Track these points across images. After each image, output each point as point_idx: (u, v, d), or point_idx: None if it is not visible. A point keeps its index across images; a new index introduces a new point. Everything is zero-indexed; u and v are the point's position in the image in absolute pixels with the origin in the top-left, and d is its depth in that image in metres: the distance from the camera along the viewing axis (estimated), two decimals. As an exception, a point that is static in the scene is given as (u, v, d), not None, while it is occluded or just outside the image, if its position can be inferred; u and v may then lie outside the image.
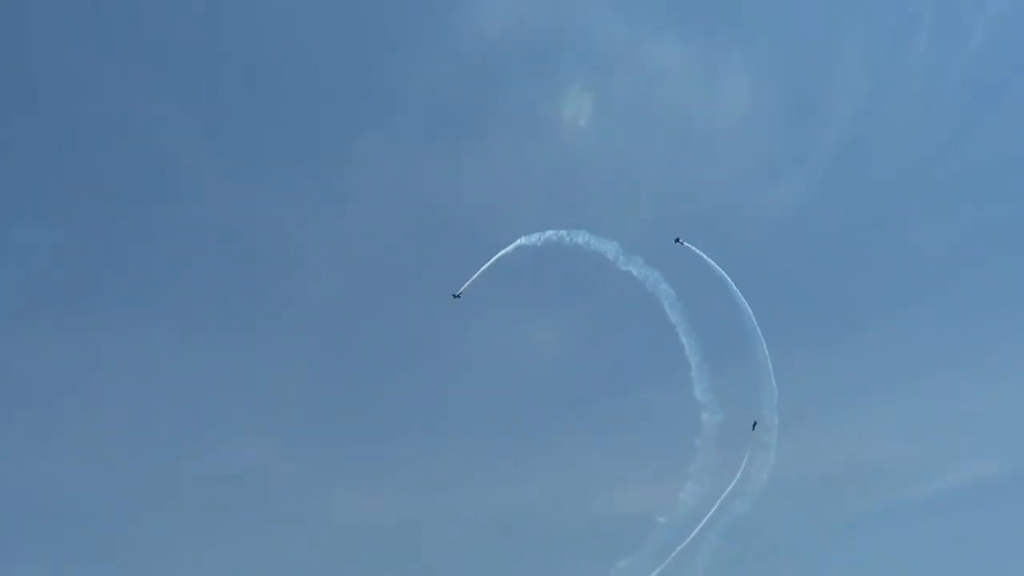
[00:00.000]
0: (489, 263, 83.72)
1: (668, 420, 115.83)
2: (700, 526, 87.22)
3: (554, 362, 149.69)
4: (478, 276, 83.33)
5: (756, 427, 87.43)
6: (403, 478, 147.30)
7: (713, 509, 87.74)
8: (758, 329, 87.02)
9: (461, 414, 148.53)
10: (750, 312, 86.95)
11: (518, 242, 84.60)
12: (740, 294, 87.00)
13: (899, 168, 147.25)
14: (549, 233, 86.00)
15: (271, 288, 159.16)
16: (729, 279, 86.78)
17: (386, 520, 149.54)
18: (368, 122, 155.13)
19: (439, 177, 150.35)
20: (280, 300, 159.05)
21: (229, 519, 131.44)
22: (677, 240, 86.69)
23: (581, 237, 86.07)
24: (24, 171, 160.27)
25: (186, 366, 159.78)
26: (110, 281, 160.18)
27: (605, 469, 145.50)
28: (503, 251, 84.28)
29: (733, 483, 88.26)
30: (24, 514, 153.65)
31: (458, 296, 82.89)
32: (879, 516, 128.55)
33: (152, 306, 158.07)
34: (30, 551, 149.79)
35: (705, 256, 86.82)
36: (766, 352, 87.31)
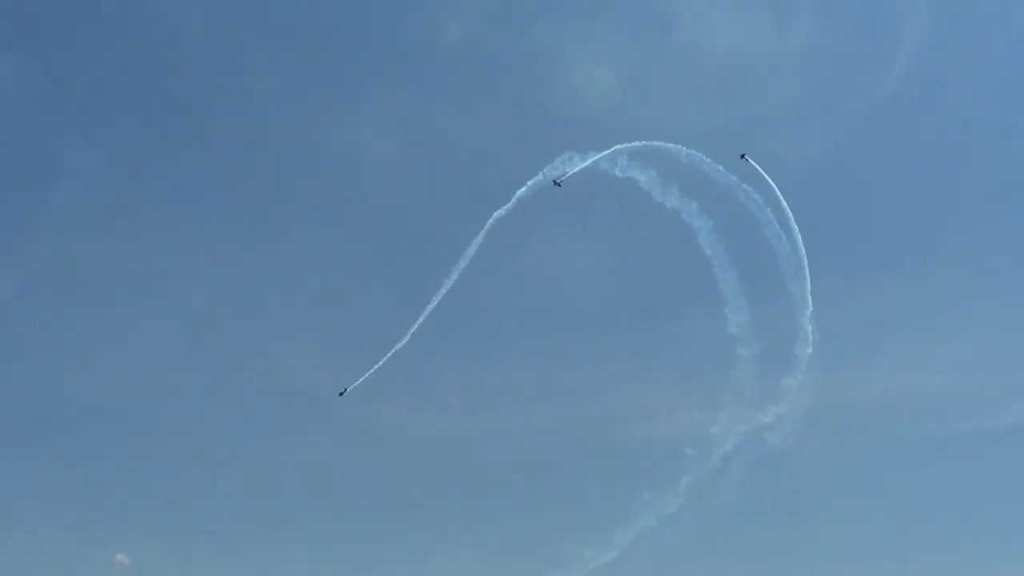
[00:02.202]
0: (585, 164, 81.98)
1: (706, 349, 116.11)
2: (729, 458, 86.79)
3: (603, 284, 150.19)
4: (577, 172, 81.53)
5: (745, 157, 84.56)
6: (452, 394, 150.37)
7: (743, 441, 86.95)
8: (805, 258, 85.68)
9: (510, 332, 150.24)
10: (799, 239, 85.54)
11: (615, 147, 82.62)
12: (792, 219, 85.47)
13: (962, 100, 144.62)
14: (641, 144, 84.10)
15: (332, 198, 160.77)
16: (784, 203, 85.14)
17: (434, 434, 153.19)
18: (445, 15, 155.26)
19: (507, 82, 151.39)
20: (339, 212, 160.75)
21: (284, 428, 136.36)
22: (743, 156, 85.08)
23: (659, 151, 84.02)
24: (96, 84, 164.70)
25: (244, 276, 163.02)
26: (171, 193, 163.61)
27: (641, 395, 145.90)
28: (601, 154, 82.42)
29: (767, 415, 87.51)
30: (87, 418, 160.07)
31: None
32: (921, 450, 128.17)
33: (212, 216, 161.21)
34: (93, 452, 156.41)
35: (766, 175, 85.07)
36: (809, 282, 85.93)
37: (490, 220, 77.29)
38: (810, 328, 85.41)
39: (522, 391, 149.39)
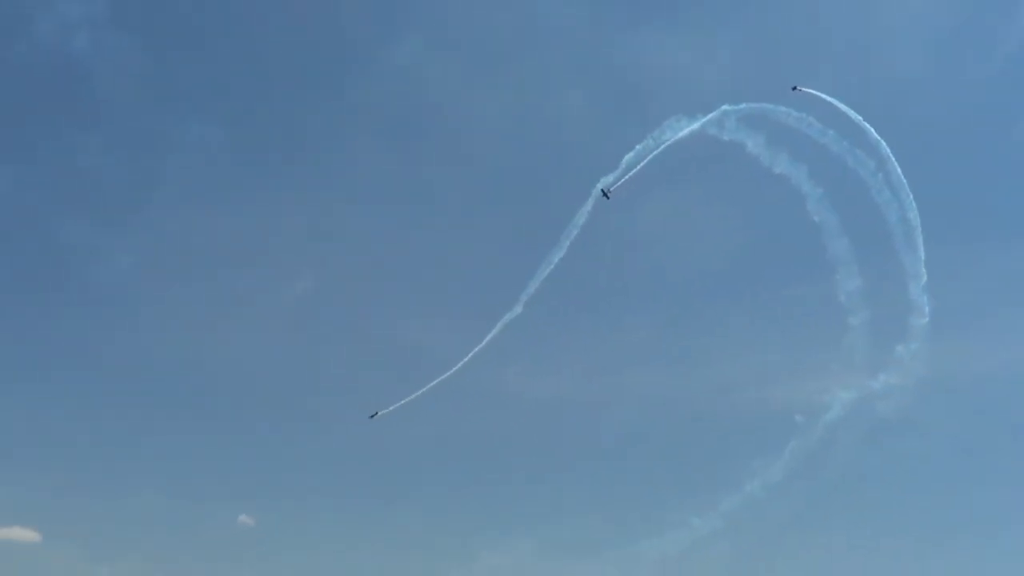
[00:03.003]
0: (693, 127, 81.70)
1: (817, 316, 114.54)
2: (839, 426, 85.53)
3: (712, 251, 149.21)
4: (685, 135, 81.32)
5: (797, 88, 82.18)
6: (569, 360, 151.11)
7: (854, 409, 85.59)
8: (919, 226, 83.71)
9: (624, 299, 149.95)
10: (914, 206, 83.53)
11: (723, 108, 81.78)
12: (906, 185, 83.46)
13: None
14: (748, 106, 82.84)
15: (446, 170, 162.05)
16: (898, 169, 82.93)
17: (552, 399, 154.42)
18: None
19: (612, 49, 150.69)
20: (453, 182, 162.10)
21: (403, 393, 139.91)
22: (794, 88, 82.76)
23: (779, 111, 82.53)
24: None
25: (361, 246, 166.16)
26: (287, 167, 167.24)
27: (752, 362, 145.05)
28: (707, 116, 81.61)
29: (878, 384, 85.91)
30: (210, 385, 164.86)
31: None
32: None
33: (327, 189, 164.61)
34: (215, 417, 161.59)
35: (836, 101, 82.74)
36: (922, 251, 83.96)
37: (598, 186, 77.17)
38: (924, 298, 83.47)
39: (636, 357, 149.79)
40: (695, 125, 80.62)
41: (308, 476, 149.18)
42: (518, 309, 79.20)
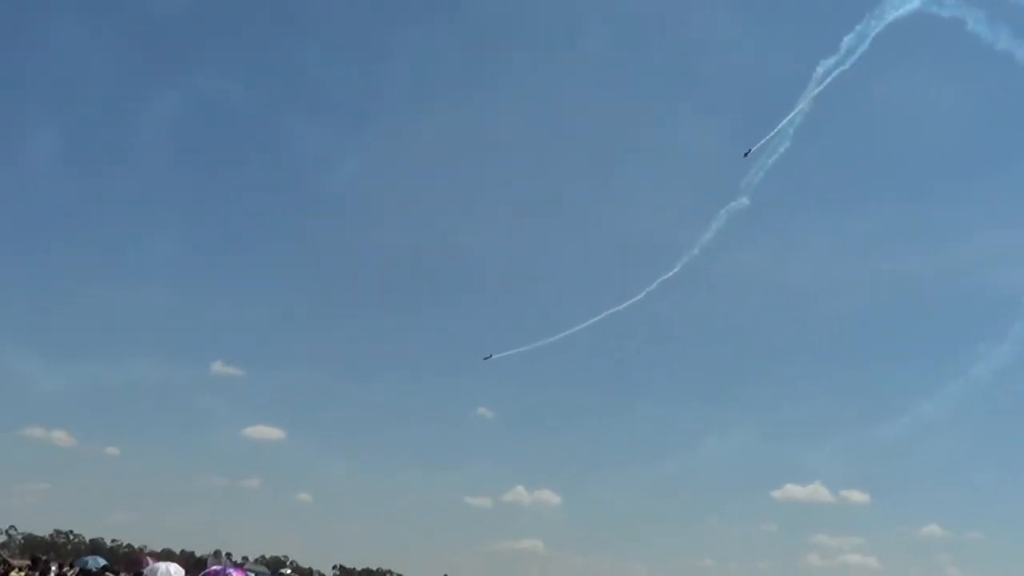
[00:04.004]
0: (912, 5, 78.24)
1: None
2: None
3: (944, 130, 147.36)
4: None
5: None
6: (809, 242, 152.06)
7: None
8: None
9: (862, 181, 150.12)
10: None
11: None
12: None
13: None
14: None
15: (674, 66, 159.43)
16: None
17: (784, 283, 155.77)
18: None
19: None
20: (683, 78, 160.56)
21: (637, 283, 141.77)
22: None
23: None
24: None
25: (585, 140, 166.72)
26: (507, 74, 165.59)
27: (988, 245, 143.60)
28: None
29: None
30: (444, 277, 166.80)
31: None
32: None
33: (538, 94, 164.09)
34: (446, 308, 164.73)
35: None
36: None
37: (818, 70, 75.04)
38: None
39: (867, 241, 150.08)
40: (915, 3, 77.61)
41: (549, 369, 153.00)
42: (744, 200, 78.22)
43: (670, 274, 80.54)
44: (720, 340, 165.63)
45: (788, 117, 70.36)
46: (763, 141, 68.89)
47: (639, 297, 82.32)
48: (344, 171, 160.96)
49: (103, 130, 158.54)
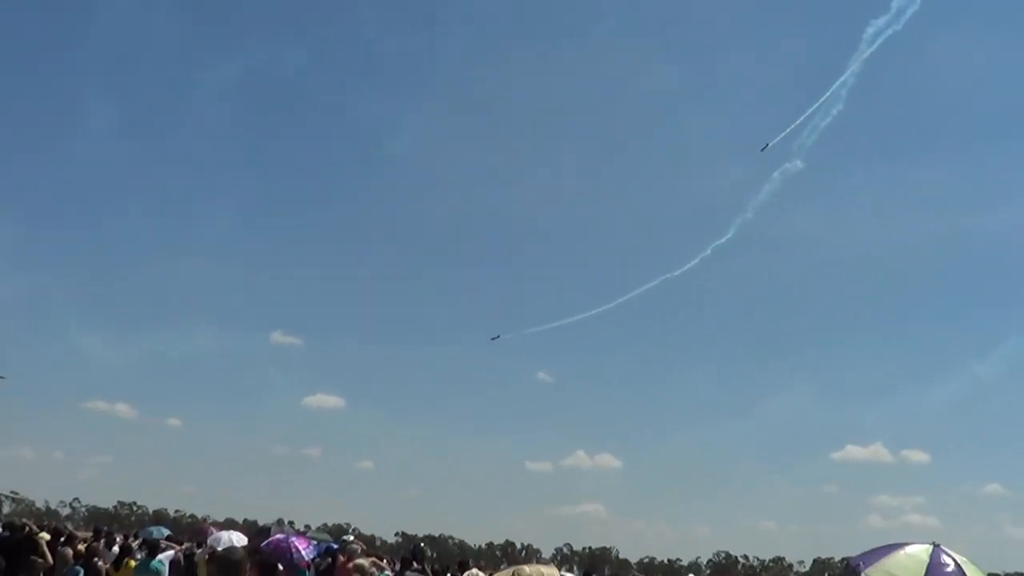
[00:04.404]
0: None
1: None
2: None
3: (1010, 88, 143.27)
4: None
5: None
6: (862, 204, 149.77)
7: None
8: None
9: (919, 139, 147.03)
10: None
11: None
12: None
13: None
14: None
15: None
16: None
17: (847, 243, 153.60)
18: None
19: None
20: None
21: (699, 244, 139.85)
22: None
23: None
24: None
25: (642, 99, 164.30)
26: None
27: None
28: None
29: None
30: (508, 237, 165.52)
31: None
32: None
33: (606, 51, 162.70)
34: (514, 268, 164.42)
35: None
36: None
37: (868, 31, 72.52)
38: None
39: (930, 197, 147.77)
40: None
41: (609, 331, 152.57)
42: (798, 163, 76.17)
43: (723, 240, 78.77)
44: (776, 302, 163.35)
45: (840, 79, 68.16)
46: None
47: (694, 263, 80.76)
48: (403, 137, 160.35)
49: (161, 100, 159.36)
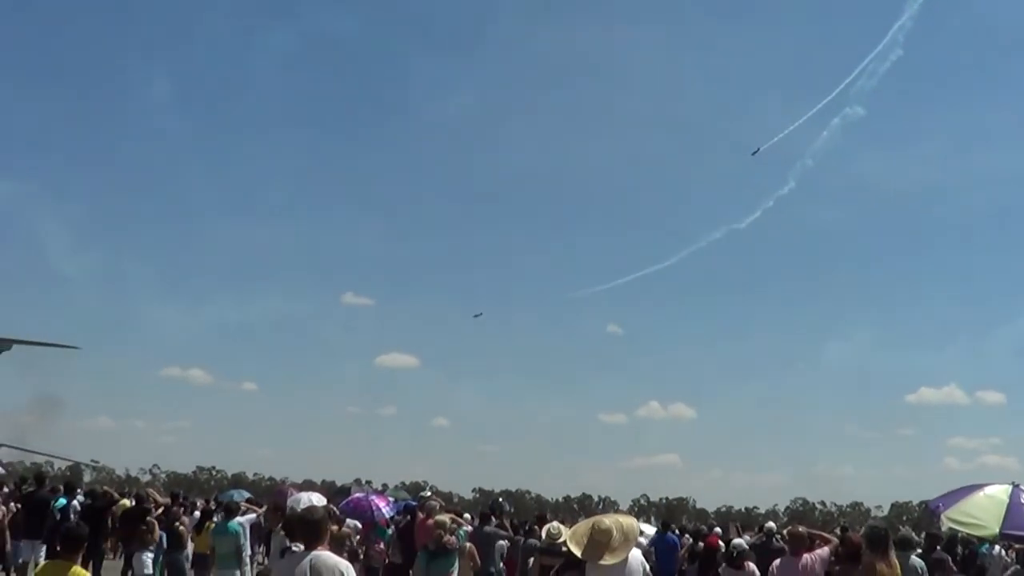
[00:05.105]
0: None
1: None
2: None
3: None
4: None
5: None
6: (929, 141, 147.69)
7: None
8: None
9: (984, 72, 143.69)
10: None
11: None
12: None
13: None
14: None
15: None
16: None
17: (911, 185, 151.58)
18: None
19: None
20: None
21: (761, 191, 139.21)
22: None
23: None
24: None
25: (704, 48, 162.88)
26: None
27: None
28: None
29: None
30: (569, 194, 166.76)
31: None
32: None
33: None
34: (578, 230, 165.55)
35: None
36: None
37: None
38: None
39: (994, 136, 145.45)
40: None
41: (677, 283, 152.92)
42: (859, 109, 75.12)
43: (786, 190, 77.82)
44: (843, 247, 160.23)
45: (898, 23, 66.58)
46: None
47: (756, 216, 79.80)
48: (460, 97, 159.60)
49: (218, 68, 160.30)
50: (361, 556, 16.99)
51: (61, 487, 25.47)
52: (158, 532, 17.90)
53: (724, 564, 16.26)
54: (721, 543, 18.01)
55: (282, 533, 13.66)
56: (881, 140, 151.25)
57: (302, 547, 7.77)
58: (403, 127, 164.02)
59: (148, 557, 17.40)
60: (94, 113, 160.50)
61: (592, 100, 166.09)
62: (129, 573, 20.33)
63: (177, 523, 18.24)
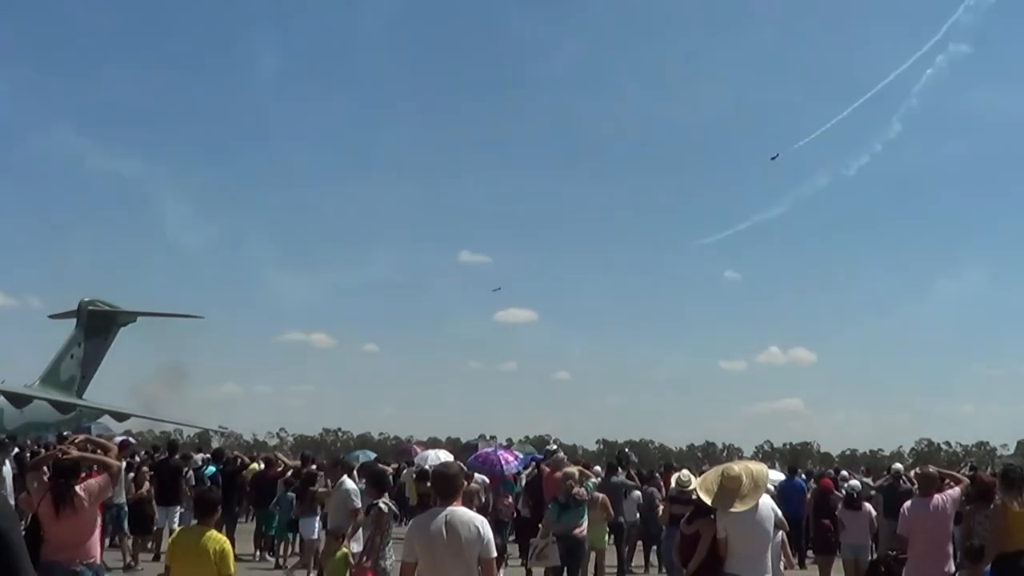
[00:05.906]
0: None
1: None
2: None
3: None
4: None
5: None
6: None
7: None
8: None
9: None
10: None
11: None
12: None
13: None
14: None
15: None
16: None
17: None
18: None
19: None
20: None
21: (866, 133, 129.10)
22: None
23: None
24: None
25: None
26: None
27: None
28: None
29: None
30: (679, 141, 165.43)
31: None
32: None
33: None
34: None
35: None
36: None
37: None
38: None
39: None
40: None
41: (791, 228, 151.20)
42: (964, 47, 72.99)
43: (893, 134, 75.44)
44: (959, 182, 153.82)
45: None
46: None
47: (864, 161, 77.61)
48: (566, 51, 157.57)
49: (326, 32, 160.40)
50: (490, 510, 16.82)
51: (209, 455, 25.90)
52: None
53: (841, 506, 16.08)
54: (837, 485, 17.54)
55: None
56: (990, 72, 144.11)
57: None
58: (509, 83, 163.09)
59: (316, 522, 17.44)
60: (204, 86, 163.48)
61: (706, 47, 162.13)
62: (262, 542, 20.83)
63: (313, 486, 18.19)
